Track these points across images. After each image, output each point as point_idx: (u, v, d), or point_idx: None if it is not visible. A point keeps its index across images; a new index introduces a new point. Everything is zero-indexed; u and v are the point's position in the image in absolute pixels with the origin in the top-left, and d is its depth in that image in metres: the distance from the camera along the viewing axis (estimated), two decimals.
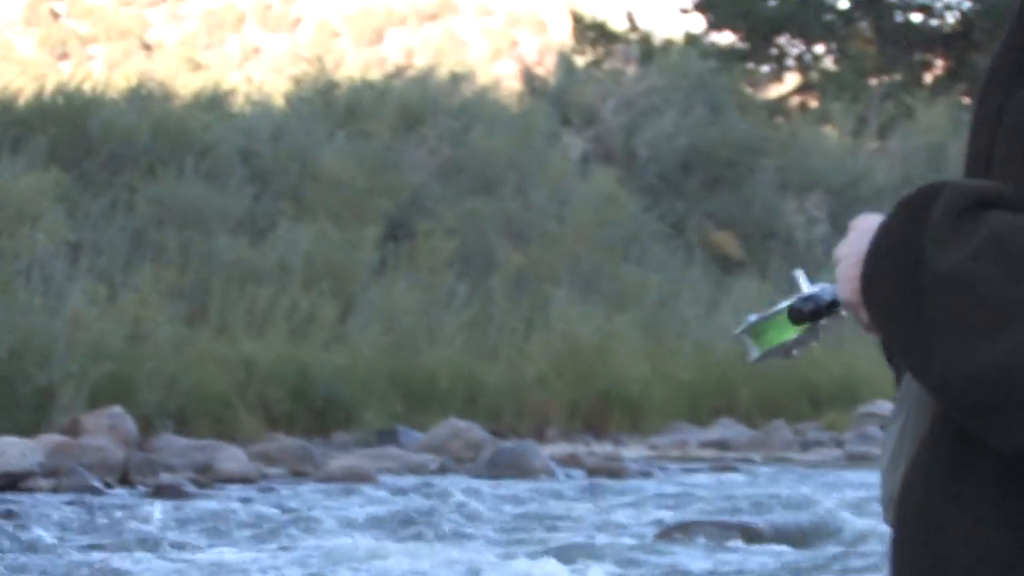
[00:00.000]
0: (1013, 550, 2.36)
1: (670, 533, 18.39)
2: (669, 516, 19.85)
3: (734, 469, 24.22)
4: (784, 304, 2.91)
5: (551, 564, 16.33)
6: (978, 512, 2.39)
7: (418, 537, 18.60)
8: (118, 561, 16.07)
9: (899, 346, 2.48)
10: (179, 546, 17.22)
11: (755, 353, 2.99)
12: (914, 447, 2.59)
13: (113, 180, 29.25)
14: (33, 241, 25.97)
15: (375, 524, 19.21)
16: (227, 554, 16.90)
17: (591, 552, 17.60)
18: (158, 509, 19.18)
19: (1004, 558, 2.36)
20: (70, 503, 19.70)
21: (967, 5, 53.40)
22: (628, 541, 18.53)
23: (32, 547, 16.89)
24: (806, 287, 2.90)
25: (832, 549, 16.90)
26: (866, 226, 2.58)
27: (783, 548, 17.62)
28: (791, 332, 2.90)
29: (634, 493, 22.22)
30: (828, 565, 16.93)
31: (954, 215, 2.35)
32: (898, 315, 2.44)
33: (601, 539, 18.75)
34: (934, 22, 53.69)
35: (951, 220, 2.35)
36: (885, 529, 2.67)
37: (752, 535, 18.16)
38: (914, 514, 2.51)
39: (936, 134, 39.90)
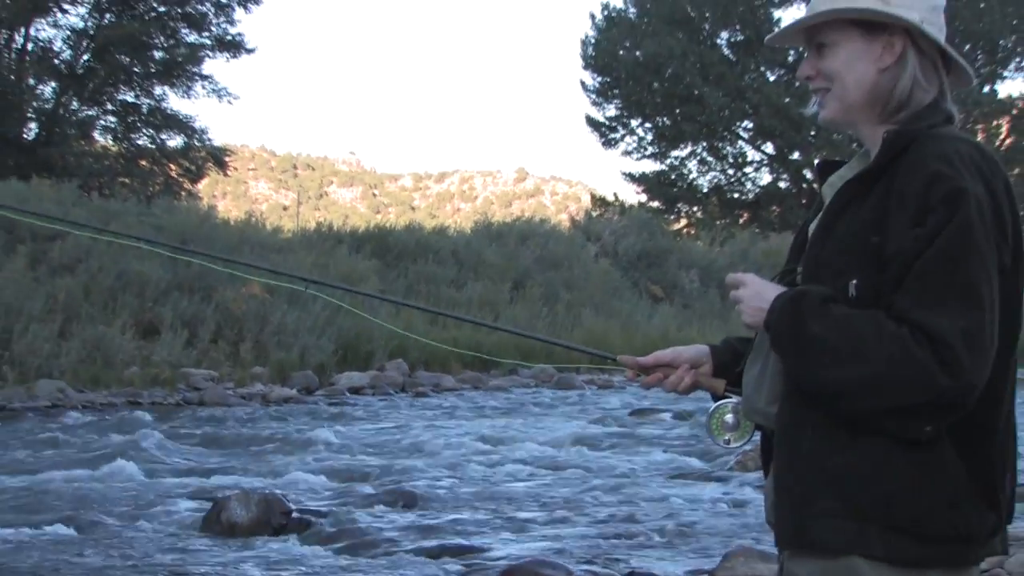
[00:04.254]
0: (831, 445, 2.27)
1: (638, 413, 18.03)
2: (637, 403, 19.34)
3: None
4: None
5: (570, 426, 16.39)
6: (817, 425, 2.29)
7: (520, 411, 18.82)
8: (402, 424, 16.73)
9: (786, 363, 2.35)
10: (426, 418, 17.56)
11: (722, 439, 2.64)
12: (776, 386, 2.45)
13: (397, 264, 28.52)
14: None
15: (509, 407, 19.42)
16: (452, 423, 17.00)
17: (598, 416, 17.83)
18: (415, 403, 19.87)
19: (828, 450, 2.28)
20: (380, 399, 20.36)
21: (758, 188, 51.45)
22: (618, 413, 18.35)
23: (364, 419, 17.45)
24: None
25: None
26: (758, 288, 2.45)
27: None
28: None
29: (619, 396, 21.46)
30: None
31: (817, 305, 2.25)
32: (788, 351, 2.32)
33: (604, 411, 18.81)
34: (744, 197, 51.15)
35: (817, 307, 2.25)
36: None
37: (681, 415, 17.15)
38: (783, 425, 2.38)
39: (743, 244, 39.11)
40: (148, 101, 38.08)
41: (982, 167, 2.31)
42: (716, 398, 2.71)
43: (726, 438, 2.64)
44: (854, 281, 2.30)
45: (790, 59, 45.07)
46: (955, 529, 2.27)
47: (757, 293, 2.44)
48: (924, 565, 2.27)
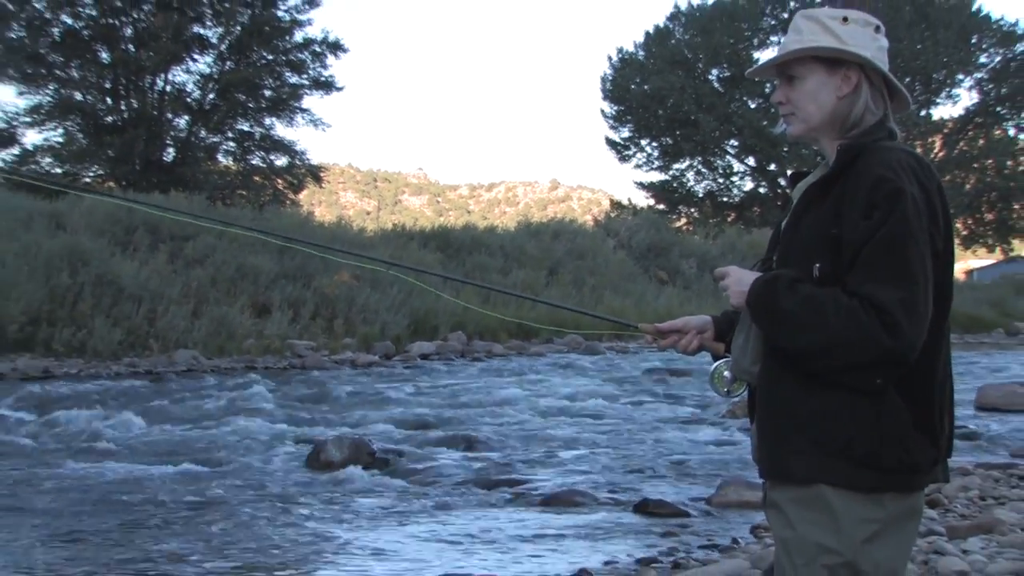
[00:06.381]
0: (801, 396, 2.28)
1: (649, 372, 17.60)
2: (648, 364, 18.79)
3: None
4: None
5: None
6: (790, 380, 2.29)
7: (556, 371, 18.19)
8: (462, 382, 16.33)
9: (764, 332, 2.36)
10: (480, 378, 17.18)
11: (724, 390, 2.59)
12: (757, 350, 2.42)
13: (457, 255, 28.10)
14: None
15: (547, 368, 18.82)
16: (502, 381, 16.53)
17: (617, 375, 17.40)
18: (471, 366, 19.34)
19: (799, 400, 2.28)
20: (444, 363, 19.88)
21: (742, 193, 51.58)
22: (633, 372, 17.90)
23: (431, 379, 16.94)
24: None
25: None
26: (739, 275, 2.43)
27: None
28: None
29: (634, 358, 21.25)
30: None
31: (787, 285, 2.26)
32: (765, 322, 2.32)
33: (623, 370, 18.42)
34: (731, 201, 51.27)
35: (787, 287, 2.26)
36: None
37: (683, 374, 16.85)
38: (763, 381, 2.38)
39: (731, 238, 38.22)
40: (260, 130, 38.38)
41: (918, 172, 2.30)
42: (716, 358, 2.69)
43: (726, 389, 2.61)
44: (817, 265, 2.29)
45: (767, 90, 45.04)
46: (903, 461, 2.26)
47: (739, 280, 2.42)
48: (879, 490, 2.27)
